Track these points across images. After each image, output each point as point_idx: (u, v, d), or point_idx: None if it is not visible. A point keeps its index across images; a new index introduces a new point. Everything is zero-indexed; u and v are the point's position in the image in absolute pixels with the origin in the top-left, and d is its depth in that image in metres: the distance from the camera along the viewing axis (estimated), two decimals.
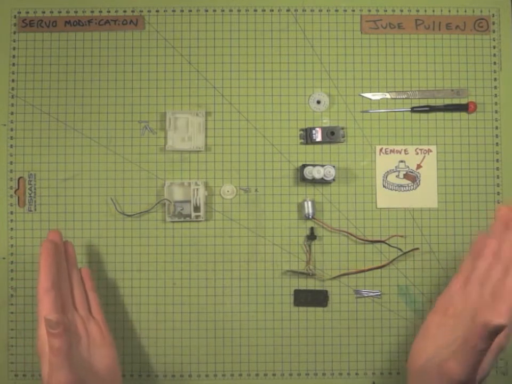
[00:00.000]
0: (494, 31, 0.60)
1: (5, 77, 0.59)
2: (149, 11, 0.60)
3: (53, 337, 0.42)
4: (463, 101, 0.59)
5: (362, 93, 0.60)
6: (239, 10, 0.60)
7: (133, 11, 0.60)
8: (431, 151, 0.59)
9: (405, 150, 0.59)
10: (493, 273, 0.46)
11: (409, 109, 0.59)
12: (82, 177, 0.59)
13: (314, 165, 0.57)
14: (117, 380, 0.50)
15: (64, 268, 0.51)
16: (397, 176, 0.59)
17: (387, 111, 0.60)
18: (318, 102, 0.59)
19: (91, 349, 0.49)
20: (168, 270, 0.58)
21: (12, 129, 0.59)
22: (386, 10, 0.60)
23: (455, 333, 0.45)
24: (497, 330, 0.39)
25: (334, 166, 0.57)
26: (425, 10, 0.60)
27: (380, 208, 0.59)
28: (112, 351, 0.50)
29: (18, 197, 0.59)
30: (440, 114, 0.59)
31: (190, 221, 0.58)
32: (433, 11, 0.60)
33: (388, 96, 0.60)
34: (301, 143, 0.59)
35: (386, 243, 0.58)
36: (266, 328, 0.58)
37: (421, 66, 0.60)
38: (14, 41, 0.59)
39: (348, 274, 0.58)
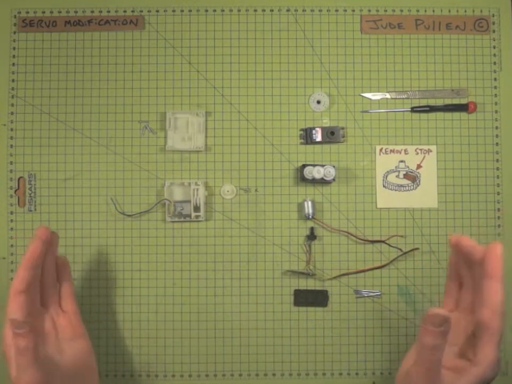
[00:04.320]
0: (494, 31, 0.60)
1: (5, 77, 0.59)
2: (149, 11, 0.60)
3: (18, 337, 0.42)
4: (463, 101, 0.60)
5: (362, 93, 0.60)
6: (239, 10, 0.60)
7: (133, 11, 0.60)
8: (431, 151, 0.59)
9: (405, 150, 0.59)
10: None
11: (409, 109, 0.59)
12: (82, 177, 0.59)
13: (314, 165, 0.57)
14: (92, 370, 0.50)
15: (42, 263, 0.48)
16: (397, 176, 0.59)
17: (387, 111, 0.60)
18: (318, 102, 0.59)
19: (61, 343, 0.48)
20: (168, 270, 0.58)
21: (11, 129, 0.59)
22: (386, 10, 0.60)
23: None
24: (440, 320, 0.38)
25: (334, 166, 0.57)
26: (425, 10, 0.60)
27: (380, 208, 0.59)
28: (85, 343, 0.49)
29: (18, 197, 0.59)
30: (440, 114, 0.59)
31: (190, 221, 0.58)
32: (433, 11, 0.60)
33: (388, 96, 0.60)
34: (301, 143, 0.59)
35: (386, 243, 0.58)
36: (266, 328, 0.58)
37: (421, 66, 0.60)
38: (14, 41, 0.59)
39: (347, 274, 0.58)
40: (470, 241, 0.43)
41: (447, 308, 0.46)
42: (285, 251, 0.59)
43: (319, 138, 0.59)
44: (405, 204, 0.59)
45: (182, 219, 0.58)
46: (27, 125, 0.59)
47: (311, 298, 0.58)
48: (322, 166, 0.57)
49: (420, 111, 0.59)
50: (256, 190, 0.59)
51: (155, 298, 0.58)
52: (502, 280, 0.40)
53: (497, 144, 0.59)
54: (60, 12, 0.60)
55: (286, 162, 0.59)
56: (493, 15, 0.60)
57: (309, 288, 0.58)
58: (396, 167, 0.59)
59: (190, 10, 0.60)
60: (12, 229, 0.58)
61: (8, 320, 0.43)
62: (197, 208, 0.58)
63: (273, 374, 0.58)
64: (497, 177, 0.59)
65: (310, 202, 0.58)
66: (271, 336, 0.58)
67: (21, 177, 0.59)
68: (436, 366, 0.39)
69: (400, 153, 0.59)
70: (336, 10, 0.60)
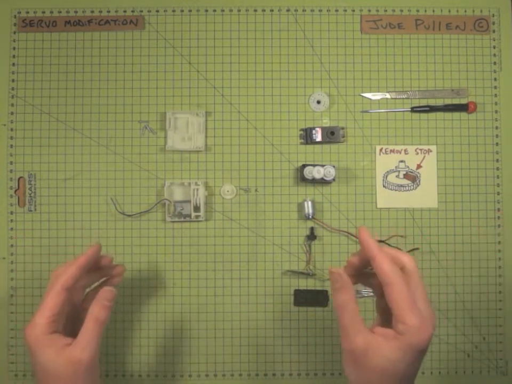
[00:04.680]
0: (494, 31, 0.60)
1: (5, 77, 0.59)
2: (149, 11, 0.60)
3: (103, 309, 0.44)
4: (463, 101, 0.59)
5: (362, 93, 0.60)
6: (239, 10, 0.60)
7: (133, 11, 0.60)
8: (431, 151, 0.59)
9: (405, 150, 0.59)
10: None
11: (409, 109, 0.59)
12: (82, 177, 0.59)
13: (314, 165, 0.57)
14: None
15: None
16: (397, 176, 0.59)
17: (387, 111, 0.60)
18: (318, 102, 0.59)
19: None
20: (168, 270, 0.58)
21: (11, 129, 0.59)
22: (386, 10, 0.60)
23: None
24: (334, 277, 0.41)
25: (334, 166, 0.57)
26: (425, 10, 0.60)
27: (380, 208, 0.59)
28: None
29: (18, 197, 0.59)
30: (440, 114, 0.59)
31: (190, 221, 0.58)
32: (433, 11, 0.60)
33: (388, 96, 0.60)
34: (301, 143, 0.59)
35: (386, 243, 0.58)
36: (266, 328, 0.58)
37: (421, 66, 0.60)
38: (14, 41, 0.59)
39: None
40: (364, 235, 0.43)
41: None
42: (285, 251, 0.59)
43: (319, 138, 0.59)
44: (405, 204, 0.59)
45: (182, 219, 0.58)
46: (27, 125, 0.59)
47: (311, 298, 0.58)
48: (322, 166, 0.57)
49: (420, 111, 0.59)
50: (256, 190, 0.59)
51: (155, 298, 0.58)
52: (381, 251, 0.41)
53: (497, 144, 0.59)
54: (60, 12, 0.60)
55: (286, 162, 0.59)
56: (493, 15, 0.60)
57: (309, 288, 0.58)
58: (396, 167, 0.59)
59: (190, 10, 0.60)
60: (12, 229, 0.58)
61: (106, 290, 0.45)
62: (197, 208, 0.58)
63: (273, 374, 0.58)
64: (497, 177, 0.59)
65: (310, 202, 0.58)
66: (271, 336, 0.58)
67: (21, 177, 0.59)
68: (350, 318, 0.40)
69: (400, 153, 0.59)
70: (336, 10, 0.60)
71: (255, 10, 0.60)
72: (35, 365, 0.44)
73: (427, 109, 0.59)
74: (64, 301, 0.45)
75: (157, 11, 0.60)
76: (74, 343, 0.43)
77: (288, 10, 0.60)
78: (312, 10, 0.60)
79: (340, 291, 0.41)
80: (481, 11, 0.60)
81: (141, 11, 0.60)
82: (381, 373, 0.39)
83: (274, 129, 0.59)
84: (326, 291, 0.58)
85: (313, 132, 0.59)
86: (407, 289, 0.39)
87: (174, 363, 0.58)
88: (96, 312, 0.44)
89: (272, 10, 0.60)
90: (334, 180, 0.57)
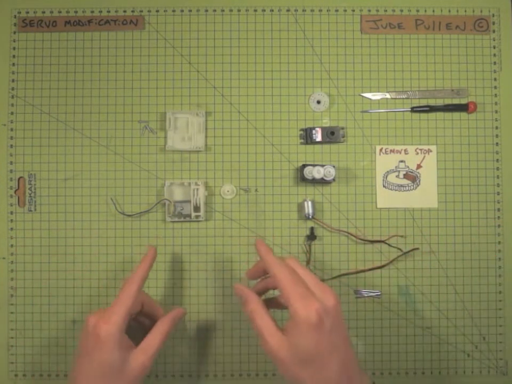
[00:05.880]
0: (494, 31, 0.60)
1: (5, 77, 0.59)
2: (149, 11, 0.60)
3: (172, 325, 0.50)
4: (463, 101, 0.60)
5: (362, 93, 0.60)
6: (239, 10, 0.60)
7: (133, 11, 0.60)
8: (431, 151, 0.59)
9: (405, 150, 0.59)
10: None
11: (409, 109, 0.59)
12: (82, 177, 0.59)
13: (314, 165, 0.57)
14: None
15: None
16: (397, 176, 0.59)
17: (387, 111, 0.60)
18: (318, 102, 0.59)
19: None
20: (168, 270, 0.58)
21: (12, 129, 0.59)
22: (386, 10, 0.60)
23: None
24: (237, 292, 0.48)
25: (334, 166, 0.57)
26: (425, 10, 0.60)
27: (380, 208, 0.59)
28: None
29: (18, 197, 0.59)
30: (440, 114, 0.59)
31: (190, 221, 0.58)
32: (433, 11, 0.60)
33: (388, 96, 0.60)
34: (301, 143, 0.59)
35: (386, 243, 0.58)
36: None
37: (421, 66, 0.60)
38: (14, 41, 0.59)
39: (347, 274, 0.58)
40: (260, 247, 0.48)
41: None
42: (285, 251, 0.59)
43: (319, 138, 0.59)
44: (405, 204, 0.59)
45: (182, 219, 0.58)
46: (27, 125, 0.59)
47: None
48: (322, 166, 0.57)
49: (420, 111, 0.59)
50: (256, 190, 0.59)
51: (155, 298, 0.58)
52: (270, 257, 0.46)
53: (497, 144, 0.59)
54: (60, 12, 0.60)
55: (286, 162, 0.59)
56: (493, 15, 0.60)
57: None
58: (395, 167, 0.59)
59: (190, 10, 0.60)
60: (12, 229, 0.58)
61: (180, 311, 0.51)
62: (197, 208, 0.57)
63: (273, 374, 0.58)
64: (497, 177, 0.59)
65: (310, 202, 0.58)
66: None
67: (21, 177, 0.59)
68: (261, 324, 0.44)
69: (400, 153, 0.59)
70: (336, 10, 0.60)
71: (255, 10, 0.60)
72: (90, 356, 0.45)
73: (427, 109, 0.59)
74: (136, 302, 0.48)
75: (157, 11, 0.60)
76: (140, 348, 0.47)
77: (288, 10, 0.60)
78: (312, 10, 0.60)
79: (245, 303, 0.46)
80: (481, 11, 0.60)
81: (141, 11, 0.60)
82: (303, 362, 0.42)
83: (274, 129, 0.59)
84: None
85: (313, 131, 0.59)
86: (291, 279, 0.44)
87: (174, 363, 0.58)
88: (165, 325, 0.49)
89: (272, 10, 0.60)
90: (334, 179, 0.57)
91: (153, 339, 0.48)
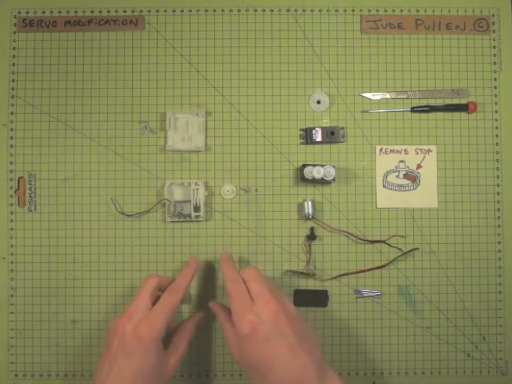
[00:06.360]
0: (494, 31, 0.60)
1: (5, 77, 0.59)
2: (149, 11, 0.60)
3: (194, 329, 0.54)
4: (463, 101, 0.60)
5: (362, 93, 0.60)
6: (239, 10, 0.60)
7: (133, 11, 0.60)
8: (431, 151, 0.59)
9: (405, 150, 0.59)
10: None
11: (409, 109, 0.59)
12: (82, 177, 0.59)
13: (314, 165, 0.57)
14: None
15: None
16: (397, 176, 0.59)
17: (387, 111, 0.60)
18: (318, 102, 0.59)
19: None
20: (168, 270, 0.58)
21: (12, 129, 0.59)
22: (386, 10, 0.60)
23: None
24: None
25: (334, 166, 0.57)
26: (425, 10, 0.60)
27: (380, 208, 0.59)
28: None
29: (18, 197, 0.59)
30: (440, 114, 0.59)
31: (190, 221, 0.58)
32: (433, 11, 0.60)
33: (388, 96, 0.60)
34: (301, 143, 0.59)
35: (386, 243, 0.58)
36: None
37: (421, 66, 0.60)
38: (14, 41, 0.59)
39: (347, 274, 0.58)
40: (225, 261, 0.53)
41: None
42: (285, 251, 0.59)
43: (319, 138, 0.59)
44: (405, 204, 0.59)
45: (182, 219, 0.58)
46: (27, 125, 0.59)
47: (311, 298, 0.58)
48: (322, 166, 0.57)
49: (420, 111, 0.59)
50: (256, 190, 0.59)
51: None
52: (227, 273, 0.50)
53: (497, 144, 0.59)
54: (60, 12, 0.60)
55: (286, 162, 0.59)
56: (493, 15, 0.60)
57: (309, 288, 0.58)
58: (395, 167, 0.59)
59: (190, 10, 0.60)
60: (12, 229, 0.58)
61: (200, 315, 0.56)
62: (197, 208, 0.58)
63: None
64: (497, 177, 0.59)
65: (310, 202, 0.58)
66: None
67: (21, 177, 0.59)
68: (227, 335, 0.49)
69: (400, 153, 0.59)
70: (336, 10, 0.60)
71: (255, 10, 0.60)
72: (130, 359, 0.46)
73: (427, 109, 0.59)
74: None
75: (157, 11, 0.60)
76: (171, 351, 0.50)
77: (288, 10, 0.60)
78: (312, 10, 0.60)
79: (217, 317, 0.52)
80: (481, 11, 0.60)
81: (141, 11, 0.60)
82: (250, 369, 0.46)
83: (274, 129, 0.59)
84: (326, 291, 0.58)
85: (313, 131, 0.59)
86: (235, 293, 0.48)
87: None
88: (189, 328, 0.53)
89: (272, 10, 0.60)
90: (334, 179, 0.57)
91: (180, 342, 0.51)
